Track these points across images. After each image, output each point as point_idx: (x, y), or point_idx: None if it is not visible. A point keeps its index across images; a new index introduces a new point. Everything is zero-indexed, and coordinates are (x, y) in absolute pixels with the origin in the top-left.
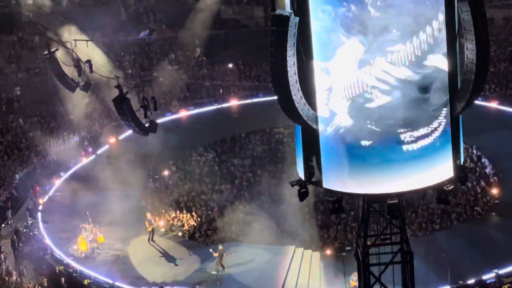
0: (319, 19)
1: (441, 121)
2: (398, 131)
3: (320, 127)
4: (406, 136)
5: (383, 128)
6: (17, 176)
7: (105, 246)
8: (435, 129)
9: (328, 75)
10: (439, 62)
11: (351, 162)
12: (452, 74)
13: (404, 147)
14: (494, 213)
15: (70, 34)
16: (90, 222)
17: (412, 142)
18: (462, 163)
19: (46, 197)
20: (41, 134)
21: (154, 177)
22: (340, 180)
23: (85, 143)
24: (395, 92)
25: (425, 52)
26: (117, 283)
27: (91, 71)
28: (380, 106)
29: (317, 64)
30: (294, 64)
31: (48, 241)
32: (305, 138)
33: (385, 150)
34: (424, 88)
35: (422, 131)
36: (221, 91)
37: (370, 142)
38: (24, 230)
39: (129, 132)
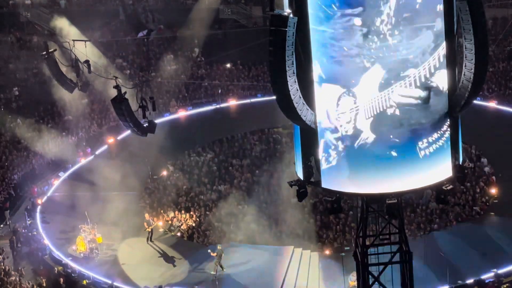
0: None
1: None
2: (415, 139)
3: (346, 143)
4: (422, 143)
5: (402, 139)
6: (16, 177)
7: (104, 247)
8: (445, 132)
9: (355, 98)
10: (445, 76)
11: (352, 164)
12: (451, 75)
13: (421, 153)
14: (493, 213)
15: (68, 34)
16: (89, 223)
17: (426, 147)
18: (461, 163)
19: (45, 198)
20: (40, 135)
21: (152, 177)
22: (339, 180)
23: (84, 144)
24: (411, 106)
25: (433, 72)
26: (115, 284)
27: (89, 71)
28: (398, 120)
29: (342, 89)
30: (292, 64)
31: (46, 241)
32: (303, 138)
33: (404, 157)
34: (435, 98)
35: (435, 135)
36: (220, 91)
37: (394, 151)
38: (23, 231)
39: (128, 132)
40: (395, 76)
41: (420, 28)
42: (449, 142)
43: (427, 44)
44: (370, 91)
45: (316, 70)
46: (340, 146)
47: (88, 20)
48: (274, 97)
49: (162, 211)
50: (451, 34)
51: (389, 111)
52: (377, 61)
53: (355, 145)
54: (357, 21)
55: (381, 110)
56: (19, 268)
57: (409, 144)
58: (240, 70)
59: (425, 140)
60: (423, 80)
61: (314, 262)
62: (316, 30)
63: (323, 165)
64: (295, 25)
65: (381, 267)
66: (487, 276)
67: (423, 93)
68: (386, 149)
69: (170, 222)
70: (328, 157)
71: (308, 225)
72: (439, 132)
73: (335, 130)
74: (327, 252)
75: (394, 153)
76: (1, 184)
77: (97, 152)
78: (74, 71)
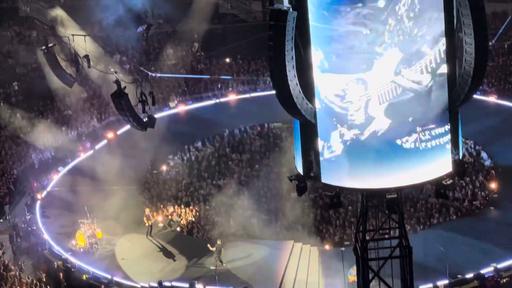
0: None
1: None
2: (420, 129)
3: (354, 132)
4: (424, 134)
5: (411, 127)
6: (15, 171)
7: (104, 241)
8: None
9: (365, 86)
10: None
11: (353, 157)
12: (451, 69)
13: (422, 145)
14: (492, 207)
15: (68, 29)
16: (89, 217)
17: (428, 140)
18: (460, 158)
19: (45, 193)
20: (39, 129)
21: (152, 172)
22: (338, 175)
23: (83, 138)
24: (422, 92)
25: (443, 57)
26: (115, 278)
27: (89, 66)
28: (412, 104)
29: (350, 78)
30: (292, 59)
31: (46, 236)
32: (303, 132)
33: (409, 148)
34: (440, 90)
35: (440, 130)
36: (219, 85)
37: (407, 139)
38: (23, 225)
39: (127, 127)
40: (410, 60)
41: (433, 10)
42: (449, 137)
43: (441, 29)
44: (385, 76)
45: (319, 58)
46: (347, 135)
47: (87, 15)
48: (273, 92)
49: (161, 205)
50: (451, 28)
51: (404, 96)
52: (392, 46)
53: (365, 133)
54: (381, 2)
55: (397, 94)
56: (19, 263)
57: (414, 133)
58: (239, 65)
59: (427, 132)
60: (433, 66)
61: (314, 256)
62: (322, 26)
63: (326, 155)
64: (295, 20)
65: (381, 261)
66: (487, 270)
67: (434, 79)
68: (398, 137)
69: (169, 216)
70: (330, 147)
71: (308, 219)
72: (445, 127)
73: (341, 120)
74: (327, 246)
75: (405, 142)
76: (1, 179)
77: (96, 147)
78: (74, 65)
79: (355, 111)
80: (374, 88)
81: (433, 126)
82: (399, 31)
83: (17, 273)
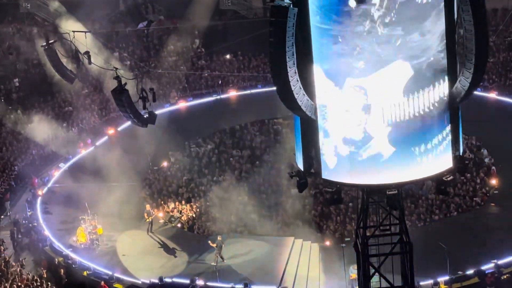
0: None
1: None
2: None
3: (349, 148)
4: (424, 147)
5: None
6: (16, 168)
7: (104, 238)
8: (447, 134)
9: (364, 93)
10: None
11: (353, 165)
12: (452, 63)
13: (422, 158)
14: (493, 203)
15: (68, 25)
16: (89, 214)
17: (428, 151)
18: (461, 154)
19: (45, 189)
20: (40, 126)
21: (153, 168)
22: (339, 171)
23: (84, 134)
24: (432, 113)
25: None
26: (116, 275)
27: (90, 62)
28: (419, 127)
29: (350, 80)
30: (293, 55)
31: (47, 232)
32: (304, 129)
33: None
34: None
35: (436, 140)
36: (220, 82)
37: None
38: (24, 222)
39: (128, 123)
40: (423, 80)
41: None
42: (450, 138)
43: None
44: (391, 92)
45: (317, 62)
46: (343, 150)
47: (88, 11)
48: (274, 88)
49: (162, 202)
50: (451, 24)
51: (413, 120)
52: (399, 56)
53: (362, 152)
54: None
55: (406, 118)
56: (20, 259)
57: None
58: (240, 61)
59: (428, 144)
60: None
61: (315, 253)
62: (322, 27)
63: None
64: (295, 16)
65: (382, 258)
66: (487, 266)
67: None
68: (400, 161)
69: (170, 213)
70: (325, 159)
71: (308, 216)
72: (446, 131)
73: (339, 131)
74: (328, 243)
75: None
76: (2, 175)
77: (97, 143)
78: (74, 62)
79: (356, 125)
80: (376, 101)
81: (435, 139)
82: (402, 38)
83: (18, 270)
